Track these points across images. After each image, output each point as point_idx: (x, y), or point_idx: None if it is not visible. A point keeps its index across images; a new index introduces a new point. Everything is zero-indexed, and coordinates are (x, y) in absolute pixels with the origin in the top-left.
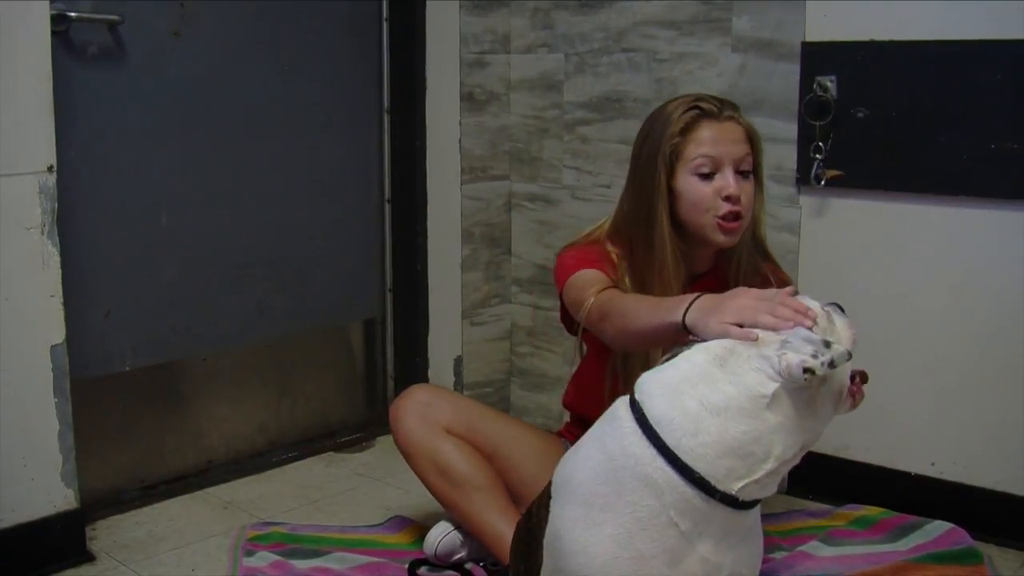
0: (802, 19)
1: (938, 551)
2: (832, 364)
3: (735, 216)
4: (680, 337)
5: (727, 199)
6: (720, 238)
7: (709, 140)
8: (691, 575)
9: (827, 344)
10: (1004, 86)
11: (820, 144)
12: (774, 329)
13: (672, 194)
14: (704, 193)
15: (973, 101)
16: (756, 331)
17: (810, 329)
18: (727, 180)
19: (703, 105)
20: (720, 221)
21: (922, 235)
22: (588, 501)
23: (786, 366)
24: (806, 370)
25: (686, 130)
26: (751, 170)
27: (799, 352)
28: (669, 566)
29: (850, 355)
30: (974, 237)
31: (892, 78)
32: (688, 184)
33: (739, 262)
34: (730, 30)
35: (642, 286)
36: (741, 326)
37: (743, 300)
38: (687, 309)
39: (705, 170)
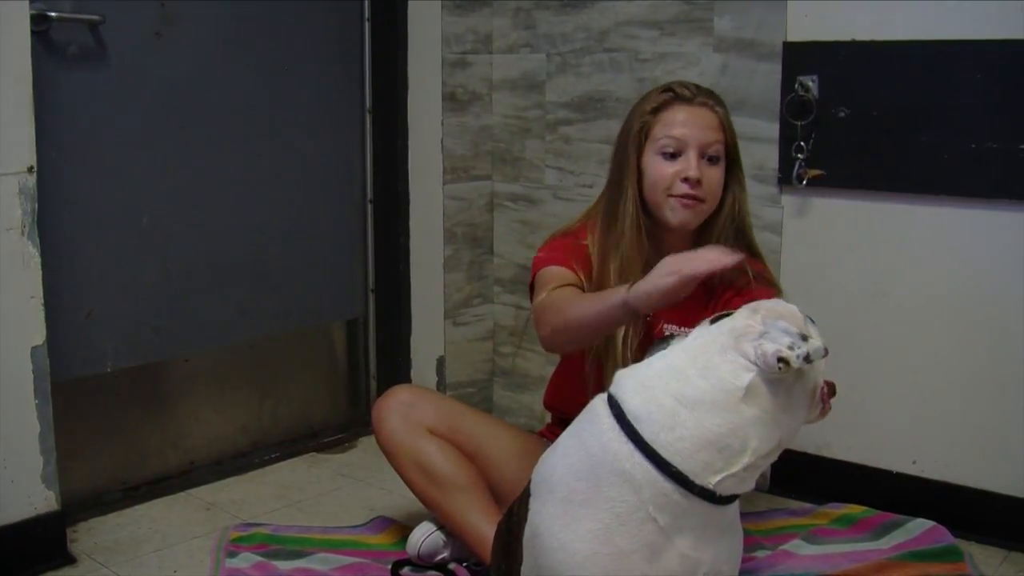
0: (783, 19)
1: (919, 549)
2: (808, 359)
3: (692, 199)
4: (627, 313)
5: (685, 180)
6: (675, 216)
7: (677, 122)
8: (670, 570)
9: (804, 338)
10: (985, 86)
11: (802, 144)
12: (705, 265)
13: (640, 172)
14: (665, 173)
15: (954, 101)
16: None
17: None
18: (689, 162)
19: (677, 89)
20: (676, 200)
21: (904, 234)
22: (567, 498)
23: (762, 354)
24: (780, 360)
25: (657, 110)
26: (719, 157)
27: (776, 342)
28: (648, 561)
29: (826, 351)
30: (956, 236)
31: (873, 78)
32: (651, 162)
33: None
34: (712, 30)
35: (602, 264)
36: None
37: (669, 259)
38: (629, 287)
39: (669, 150)
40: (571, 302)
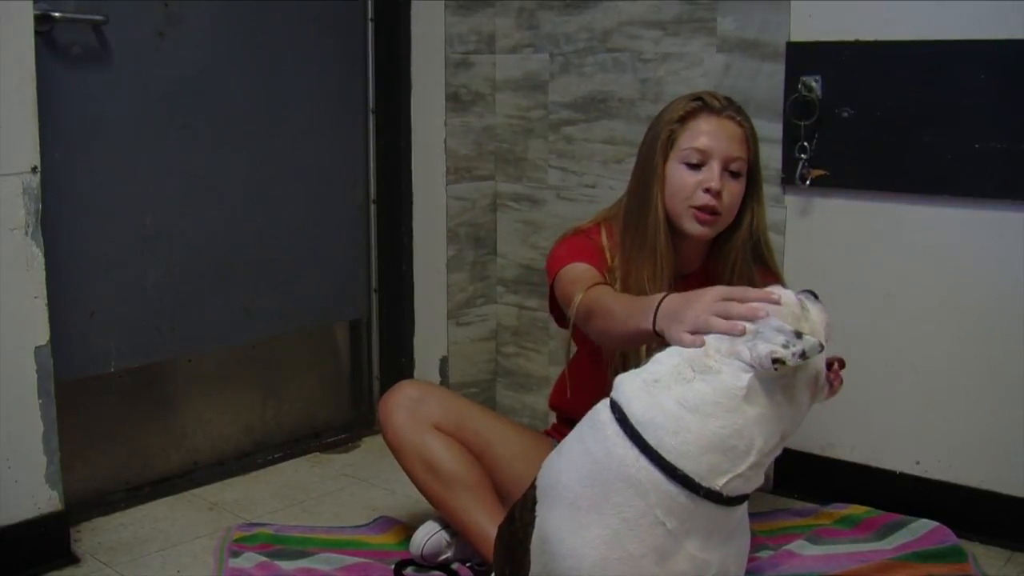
0: (787, 19)
1: (923, 549)
2: (804, 356)
3: (711, 210)
4: (658, 341)
5: (707, 191)
6: (693, 227)
7: (703, 132)
8: (680, 573)
9: (799, 335)
10: (988, 86)
11: (805, 144)
12: (727, 332)
13: (665, 179)
14: (686, 182)
15: (958, 101)
16: (704, 338)
17: (768, 315)
18: (712, 173)
19: (706, 98)
20: (695, 211)
21: (907, 234)
22: (574, 504)
23: (756, 356)
24: (775, 360)
25: (684, 119)
26: (741, 173)
27: (770, 342)
28: (658, 564)
29: (822, 346)
30: (959, 236)
31: (877, 78)
32: (674, 170)
33: (733, 268)
34: (715, 30)
35: (630, 271)
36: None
37: (701, 304)
38: (655, 316)
39: (693, 160)
40: (612, 309)
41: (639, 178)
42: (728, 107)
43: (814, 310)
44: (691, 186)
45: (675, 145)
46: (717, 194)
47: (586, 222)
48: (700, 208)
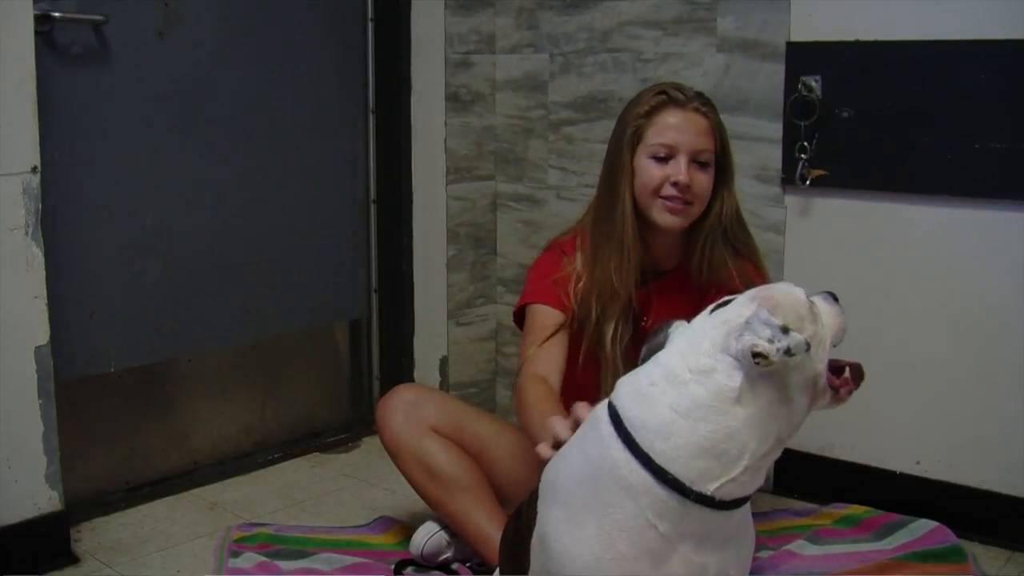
0: (787, 19)
1: (923, 550)
2: (789, 352)
3: (681, 202)
4: None
5: (675, 185)
6: (664, 218)
7: (669, 126)
8: (676, 575)
9: (785, 331)
10: (988, 86)
11: (805, 144)
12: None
13: (633, 173)
14: (655, 176)
15: (957, 101)
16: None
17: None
18: (679, 167)
19: (671, 92)
20: (665, 201)
21: (907, 234)
22: (569, 503)
23: (740, 348)
24: (756, 354)
25: (651, 113)
26: (709, 163)
27: (755, 335)
28: (653, 567)
29: (808, 345)
30: (958, 236)
31: (877, 78)
32: (643, 165)
33: (703, 257)
34: (715, 30)
35: (597, 263)
36: None
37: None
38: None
39: (660, 155)
40: (529, 411)
41: (607, 173)
42: (693, 99)
43: (829, 311)
44: (659, 180)
45: (642, 140)
46: (685, 187)
47: (566, 232)
48: (669, 199)
